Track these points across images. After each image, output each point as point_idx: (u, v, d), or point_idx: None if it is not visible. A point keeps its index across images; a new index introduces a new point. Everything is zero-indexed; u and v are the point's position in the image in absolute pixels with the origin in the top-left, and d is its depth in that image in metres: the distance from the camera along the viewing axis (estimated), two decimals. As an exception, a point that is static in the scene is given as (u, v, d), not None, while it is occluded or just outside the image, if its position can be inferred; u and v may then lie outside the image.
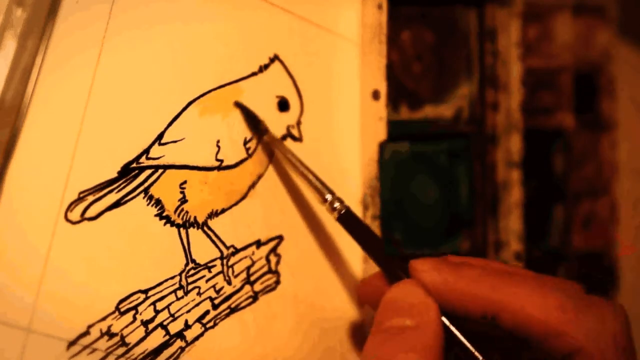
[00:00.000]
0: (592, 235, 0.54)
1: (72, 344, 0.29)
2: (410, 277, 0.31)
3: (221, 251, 0.34)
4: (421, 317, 0.28)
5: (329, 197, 0.34)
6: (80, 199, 0.30)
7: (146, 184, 0.32)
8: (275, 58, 0.37)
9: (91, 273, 0.30)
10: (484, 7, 0.46)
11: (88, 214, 0.30)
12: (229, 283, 0.34)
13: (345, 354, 0.37)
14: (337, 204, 0.34)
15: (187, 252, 0.33)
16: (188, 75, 0.34)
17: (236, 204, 0.35)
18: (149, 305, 0.32)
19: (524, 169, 0.45)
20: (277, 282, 0.36)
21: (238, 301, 0.35)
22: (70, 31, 0.30)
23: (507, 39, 0.46)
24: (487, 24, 0.46)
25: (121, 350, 0.31)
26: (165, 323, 0.32)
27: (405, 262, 0.32)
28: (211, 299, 0.34)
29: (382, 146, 0.40)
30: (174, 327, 0.32)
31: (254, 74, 0.36)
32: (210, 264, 0.34)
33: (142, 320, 0.31)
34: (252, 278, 0.35)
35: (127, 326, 0.31)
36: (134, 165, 0.32)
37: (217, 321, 0.34)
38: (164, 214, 0.32)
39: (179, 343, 0.32)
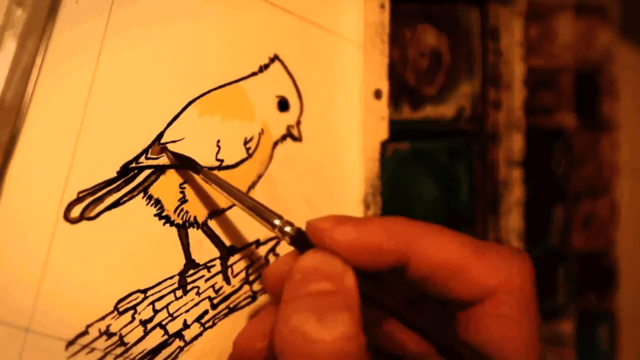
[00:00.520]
0: (592, 235, 0.54)
1: (70, 343, 0.29)
2: (316, 238, 0.30)
3: (220, 251, 0.34)
4: (341, 281, 0.28)
5: (277, 222, 0.31)
6: (79, 199, 0.30)
7: (146, 184, 0.32)
8: (275, 58, 0.37)
9: (90, 273, 0.30)
10: (486, 6, 0.46)
11: (87, 214, 0.30)
12: (228, 283, 0.34)
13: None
14: (287, 228, 0.30)
15: (186, 251, 0.33)
16: (188, 75, 0.34)
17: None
18: (148, 305, 0.32)
19: (524, 169, 0.45)
20: (276, 282, 0.36)
21: (237, 301, 0.35)
22: (70, 31, 0.30)
23: (510, 37, 0.46)
24: (489, 23, 0.46)
25: (120, 349, 0.31)
26: (164, 323, 0.32)
27: None
28: (210, 299, 0.34)
29: (384, 145, 0.40)
30: (173, 327, 0.32)
31: (254, 73, 0.36)
32: (209, 264, 0.34)
33: (140, 320, 0.31)
34: (251, 278, 0.35)
35: (125, 326, 0.31)
36: (134, 165, 0.32)
37: (216, 321, 0.34)
38: (164, 214, 0.32)
39: (177, 343, 0.33)
